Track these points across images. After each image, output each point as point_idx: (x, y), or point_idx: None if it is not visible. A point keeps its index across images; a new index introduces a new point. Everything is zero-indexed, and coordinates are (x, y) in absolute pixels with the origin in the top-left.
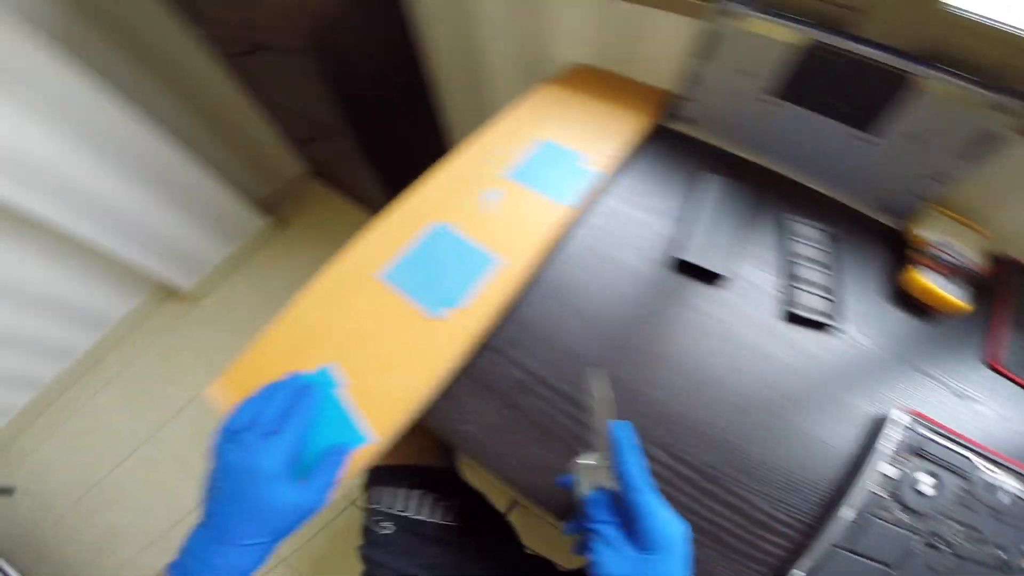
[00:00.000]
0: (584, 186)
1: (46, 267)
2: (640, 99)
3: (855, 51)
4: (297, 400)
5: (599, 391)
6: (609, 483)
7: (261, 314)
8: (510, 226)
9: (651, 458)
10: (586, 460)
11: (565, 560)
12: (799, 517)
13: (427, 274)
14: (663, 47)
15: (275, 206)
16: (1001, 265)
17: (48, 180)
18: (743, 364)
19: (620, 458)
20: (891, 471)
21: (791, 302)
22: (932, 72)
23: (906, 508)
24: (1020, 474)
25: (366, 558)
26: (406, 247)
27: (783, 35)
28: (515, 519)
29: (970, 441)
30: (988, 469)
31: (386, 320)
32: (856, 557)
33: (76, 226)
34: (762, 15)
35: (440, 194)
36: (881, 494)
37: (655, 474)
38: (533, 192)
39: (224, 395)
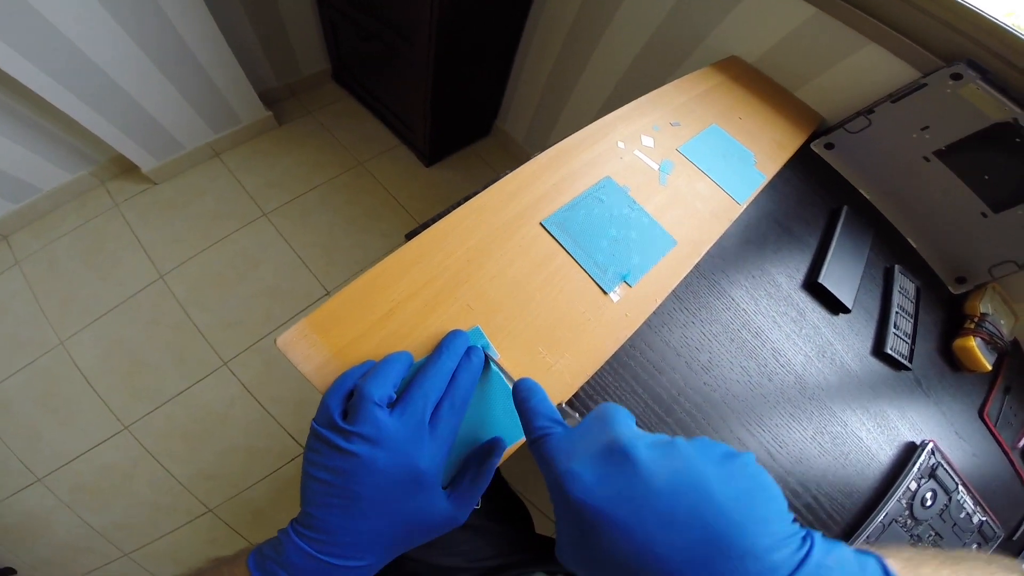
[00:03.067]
0: (756, 189)
1: None
2: (798, 116)
3: None
4: (463, 370)
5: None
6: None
7: (230, 209)
8: (687, 209)
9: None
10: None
11: None
12: (846, 516)
13: (599, 236)
14: (850, 77)
15: (276, 101)
16: (1012, 344)
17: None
18: (833, 378)
19: (520, 418)
20: (913, 486)
21: (885, 342)
22: None
23: (912, 516)
24: (975, 499)
25: None
26: (573, 195)
27: (991, 108)
28: None
29: (957, 470)
30: (962, 493)
31: (547, 281)
32: None
33: (21, 70)
34: (987, 87)
35: (606, 146)
36: (903, 503)
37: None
38: (707, 178)
39: (302, 346)
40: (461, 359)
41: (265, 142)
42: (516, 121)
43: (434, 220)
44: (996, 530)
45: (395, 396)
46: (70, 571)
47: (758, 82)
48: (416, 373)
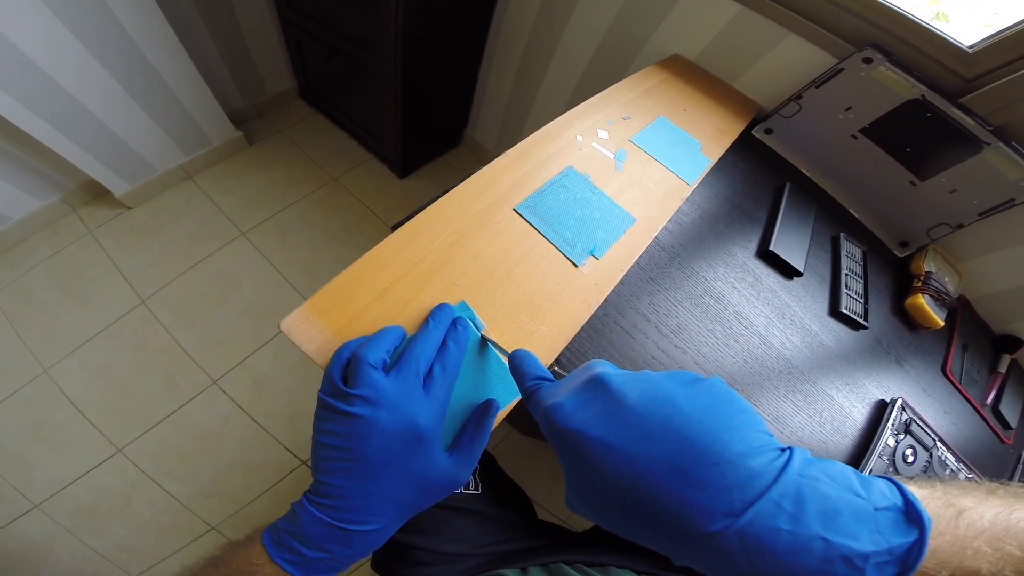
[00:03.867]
0: (703, 172)
1: None
2: (737, 105)
3: (948, 112)
4: (451, 338)
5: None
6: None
7: (208, 230)
8: (642, 190)
9: None
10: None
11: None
12: None
13: (565, 217)
14: (777, 67)
15: (245, 121)
16: (960, 301)
17: None
18: (795, 338)
19: (515, 380)
20: (891, 442)
21: (839, 302)
22: (1001, 144)
23: (897, 472)
24: (956, 456)
25: (393, 541)
26: (540, 184)
27: (901, 87)
28: None
29: (931, 427)
30: (942, 449)
31: (524, 258)
32: None
33: None
34: (895, 69)
35: (566, 140)
36: (885, 459)
37: None
38: (658, 164)
39: (305, 327)
40: (448, 328)
41: (237, 162)
42: (485, 129)
43: (416, 212)
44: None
45: (390, 361)
46: None
47: (699, 76)
48: (407, 342)
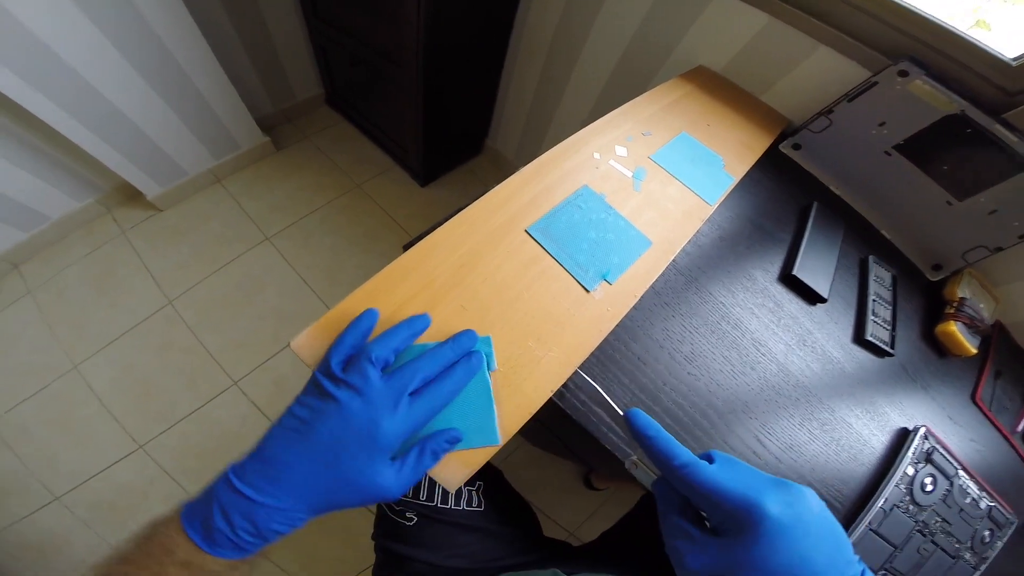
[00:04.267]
0: (725, 191)
1: None
2: (764, 118)
3: (989, 128)
4: (461, 365)
5: (594, 394)
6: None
7: (235, 233)
8: (660, 211)
9: (742, 441)
10: (632, 458)
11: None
12: (845, 503)
13: (579, 239)
14: (807, 79)
15: (273, 126)
16: (995, 327)
17: (8, 37)
18: (816, 366)
19: (644, 443)
20: (910, 471)
21: (864, 329)
22: None
23: (914, 501)
24: (980, 484)
25: (386, 550)
26: (554, 203)
27: (939, 102)
28: None
29: (954, 455)
30: (964, 478)
31: (534, 281)
32: (878, 538)
33: (32, 102)
34: (932, 82)
35: (583, 157)
36: (902, 488)
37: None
38: (678, 182)
39: (314, 348)
40: (462, 356)
41: (265, 167)
42: (506, 139)
43: (428, 232)
44: (1008, 516)
45: (393, 361)
46: None
47: (725, 89)
48: (416, 353)
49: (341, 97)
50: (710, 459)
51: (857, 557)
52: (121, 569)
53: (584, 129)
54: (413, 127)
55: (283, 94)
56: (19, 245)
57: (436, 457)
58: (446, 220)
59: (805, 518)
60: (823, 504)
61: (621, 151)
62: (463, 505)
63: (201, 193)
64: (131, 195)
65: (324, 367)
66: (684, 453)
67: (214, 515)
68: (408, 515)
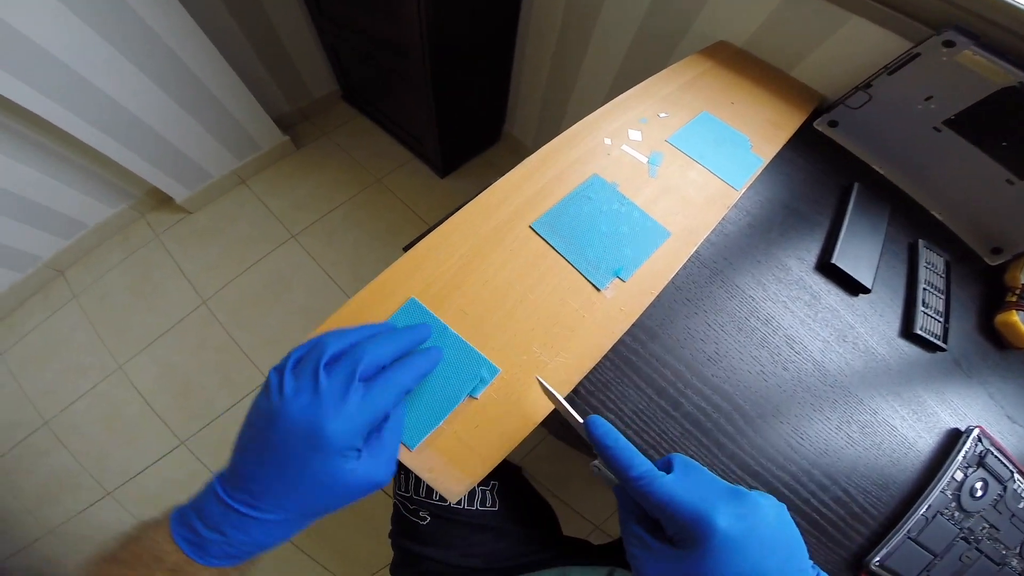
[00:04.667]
0: (754, 173)
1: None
2: (795, 95)
3: None
4: (423, 354)
5: (552, 396)
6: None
7: (261, 233)
8: (679, 199)
9: (772, 446)
10: (595, 463)
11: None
12: (883, 511)
13: (588, 233)
14: (841, 52)
15: (292, 125)
16: None
17: (40, 65)
18: (857, 363)
19: (603, 453)
20: (959, 476)
21: (913, 322)
22: None
23: (960, 508)
24: None
25: (402, 549)
26: (561, 196)
27: (992, 73)
28: None
29: (1011, 457)
30: (1019, 481)
31: (539, 282)
32: (916, 546)
33: (66, 121)
34: (984, 53)
35: (592, 144)
36: (948, 495)
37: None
38: (699, 166)
39: None
40: (425, 349)
41: (287, 165)
42: (523, 125)
43: (426, 233)
44: None
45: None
46: None
47: (749, 65)
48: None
49: (356, 93)
50: (669, 466)
51: (811, 563)
52: (112, 569)
53: (593, 114)
54: (427, 119)
55: (299, 93)
56: (60, 252)
57: (400, 421)
58: (446, 219)
59: (758, 530)
60: (781, 510)
61: (635, 135)
62: (476, 505)
63: (227, 195)
64: (162, 200)
65: (280, 365)
66: (640, 464)
67: (204, 527)
68: (422, 514)
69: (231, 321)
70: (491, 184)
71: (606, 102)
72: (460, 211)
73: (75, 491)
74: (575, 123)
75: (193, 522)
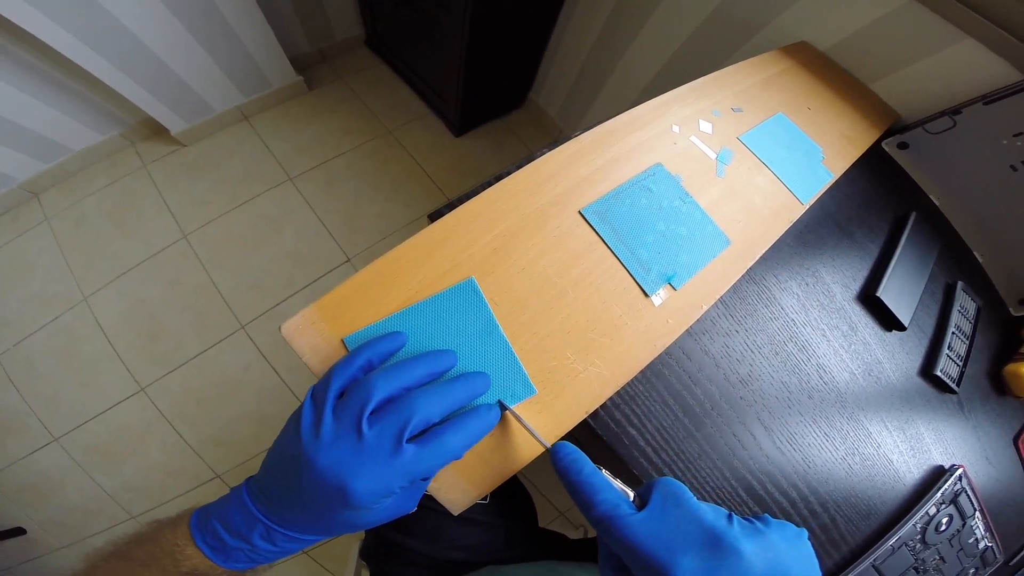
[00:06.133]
0: (821, 188)
1: None
2: (871, 110)
3: None
4: (478, 414)
5: (516, 418)
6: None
7: (257, 172)
8: (745, 205)
9: (780, 472)
10: None
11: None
12: (858, 538)
13: (644, 230)
14: (936, 73)
15: (308, 66)
16: None
17: None
18: (875, 398)
19: (567, 487)
20: (932, 511)
21: (935, 364)
22: None
23: (923, 540)
24: (987, 525)
25: (387, 539)
26: (618, 182)
27: None
28: None
29: (979, 496)
30: (977, 519)
31: (583, 277)
32: (877, 574)
33: (52, 35)
34: None
35: (660, 128)
36: (918, 528)
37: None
38: (769, 172)
39: (308, 335)
40: (478, 407)
41: (295, 107)
42: (551, 95)
43: (461, 200)
44: (997, 555)
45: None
46: (78, 534)
47: (829, 71)
48: (412, 390)
49: (381, 40)
50: (648, 494)
51: None
52: (124, 567)
53: (664, 95)
54: (454, 74)
55: (322, 33)
56: (39, 175)
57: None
58: (482, 189)
59: None
60: (764, 561)
61: (705, 126)
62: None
63: (226, 130)
64: (156, 130)
65: (321, 391)
66: (604, 501)
67: (230, 535)
68: None
69: (212, 259)
70: (510, 150)
71: (648, 89)
72: (497, 184)
73: (19, 434)
74: (609, 104)
75: (217, 528)
